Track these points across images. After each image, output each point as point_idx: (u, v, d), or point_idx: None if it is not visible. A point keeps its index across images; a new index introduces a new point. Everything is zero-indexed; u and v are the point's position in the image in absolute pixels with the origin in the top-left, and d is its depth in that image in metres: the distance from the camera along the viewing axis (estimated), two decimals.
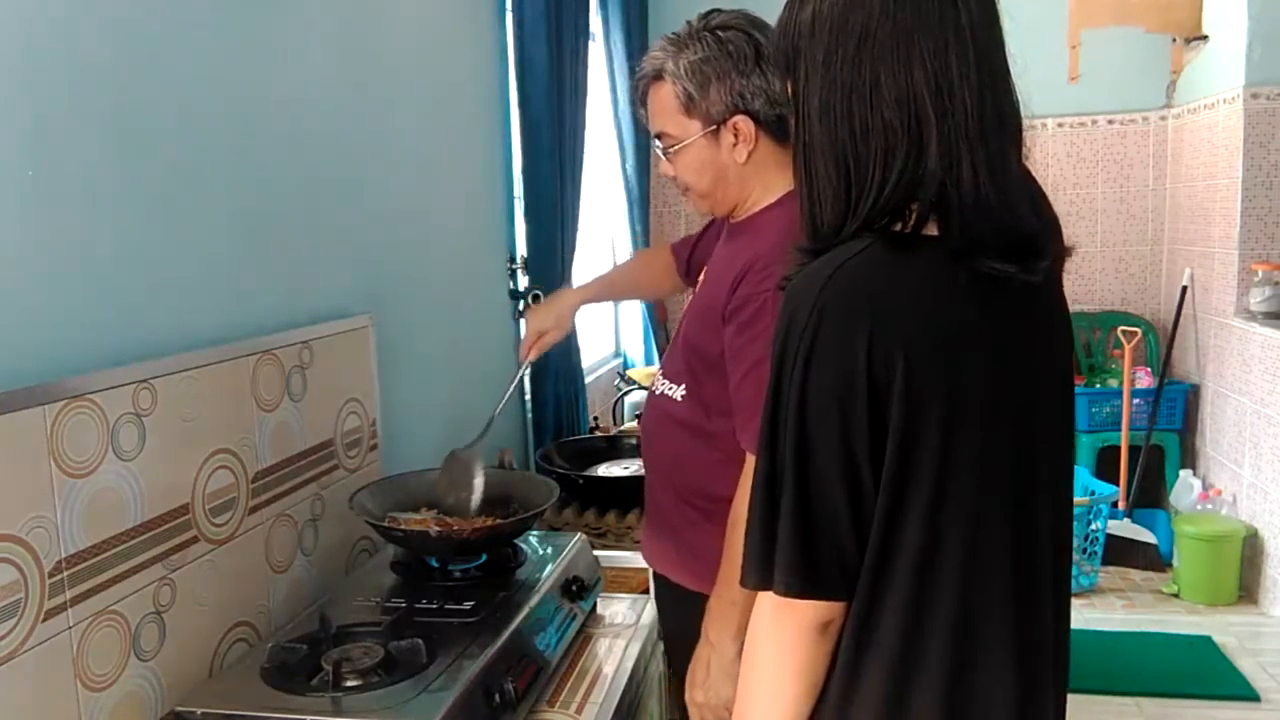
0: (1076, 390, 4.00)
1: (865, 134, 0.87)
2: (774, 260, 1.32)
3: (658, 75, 1.41)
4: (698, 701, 1.36)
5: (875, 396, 0.85)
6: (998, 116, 0.87)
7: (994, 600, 0.89)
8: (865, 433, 0.85)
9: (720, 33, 1.38)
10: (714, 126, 1.39)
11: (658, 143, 1.46)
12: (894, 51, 0.86)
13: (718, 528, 1.34)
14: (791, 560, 0.88)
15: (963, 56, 0.86)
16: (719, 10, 1.41)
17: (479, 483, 1.56)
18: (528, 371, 1.81)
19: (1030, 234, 0.88)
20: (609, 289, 1.96)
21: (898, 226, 0.88)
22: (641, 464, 1.63)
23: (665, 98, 1.41)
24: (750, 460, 1.32)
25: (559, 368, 2.68)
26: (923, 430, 0.85)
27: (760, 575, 0.91)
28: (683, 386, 1.45)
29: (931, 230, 0.88)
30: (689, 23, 1.41)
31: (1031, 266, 0.87)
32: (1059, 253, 0.94)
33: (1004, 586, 0.90)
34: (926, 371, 0.85)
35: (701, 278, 1.55)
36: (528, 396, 2.65)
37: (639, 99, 1.48)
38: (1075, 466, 1.03)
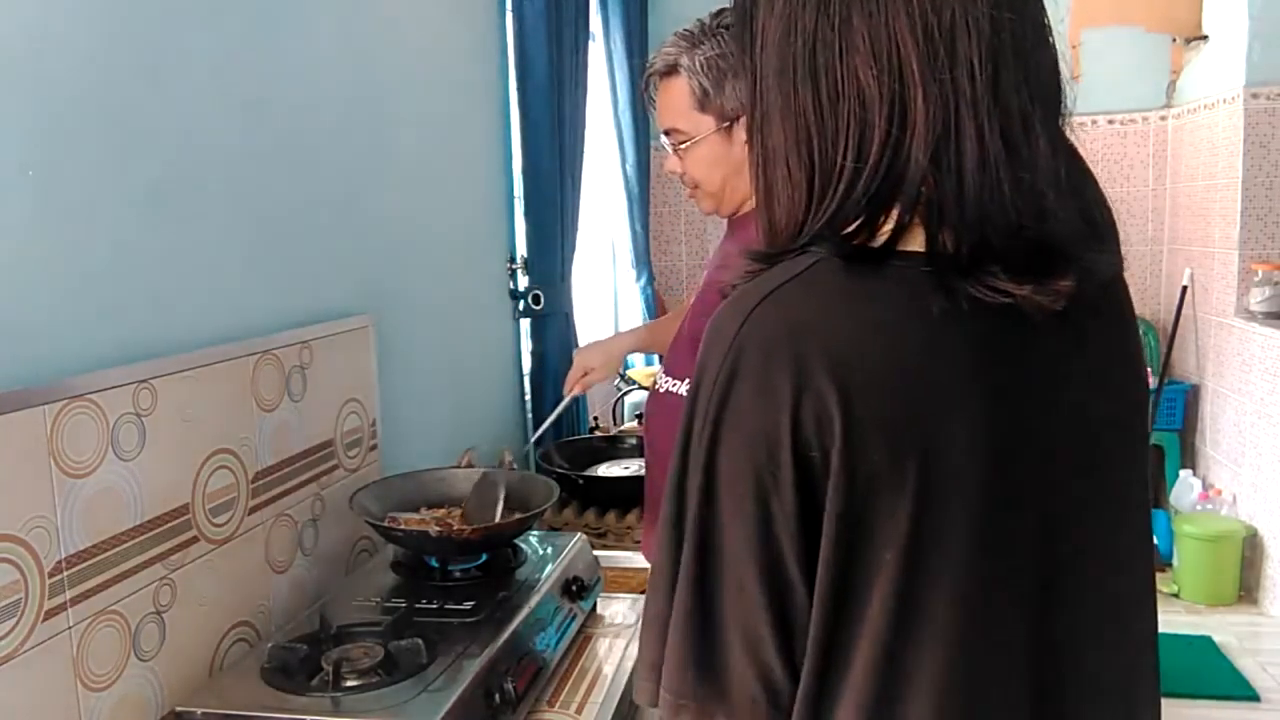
0: None
1: (834, 101, 0.64)
2: None
3: (671, 70, 1.41)
4: None
5: (805, 473, 0.61)
6: (1023, 74, 0.64)
7: None
8: (793, 520, 0.62)
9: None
10: (727, 123, 1.39)
11: (665, 139, 1.46)
12: None
13: None
14: (683, 668, 0.66)
15: None
16: (730, 10, 1.42)
17: (500, 506, 1.58)
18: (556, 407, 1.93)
19: (1058, 239, 0.64)
20: (658, 338, 1.98)
21: (862, 236, 0.65)
22: (642, 464, 1.63)
23: (678, 93, 1.41)
24: None
25: (559, 368, 2.68)
26: (875, 519, 0.61)
27: (649, 688, 0.69)
28: (685, 381, 1.46)
29: (916, 241, 0.65)
30: (701, 21, 1.42)
31: (1049, 287, 0.62)
32: (1113, 267, 0.69)
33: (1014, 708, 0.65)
34: (878, 438, 0.60)
35: (704, 275, 1.55)
36: (527, 397, 2.65)
37: (647, 95, 1.49)
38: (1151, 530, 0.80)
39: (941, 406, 0.62)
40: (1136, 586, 0.74)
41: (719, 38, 1.39)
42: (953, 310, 0.62)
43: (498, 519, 1.54)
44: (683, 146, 1.43)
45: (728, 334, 0.65)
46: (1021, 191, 0.63)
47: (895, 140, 0.63)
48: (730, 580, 0.65)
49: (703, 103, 1.39)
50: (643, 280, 3.82)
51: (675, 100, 1.42)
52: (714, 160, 1.42)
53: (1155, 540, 0.82)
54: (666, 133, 1.46)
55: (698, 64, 1.38)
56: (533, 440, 1.71)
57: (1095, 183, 0.70)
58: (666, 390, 1.50)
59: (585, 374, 1.77)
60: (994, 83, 0.62)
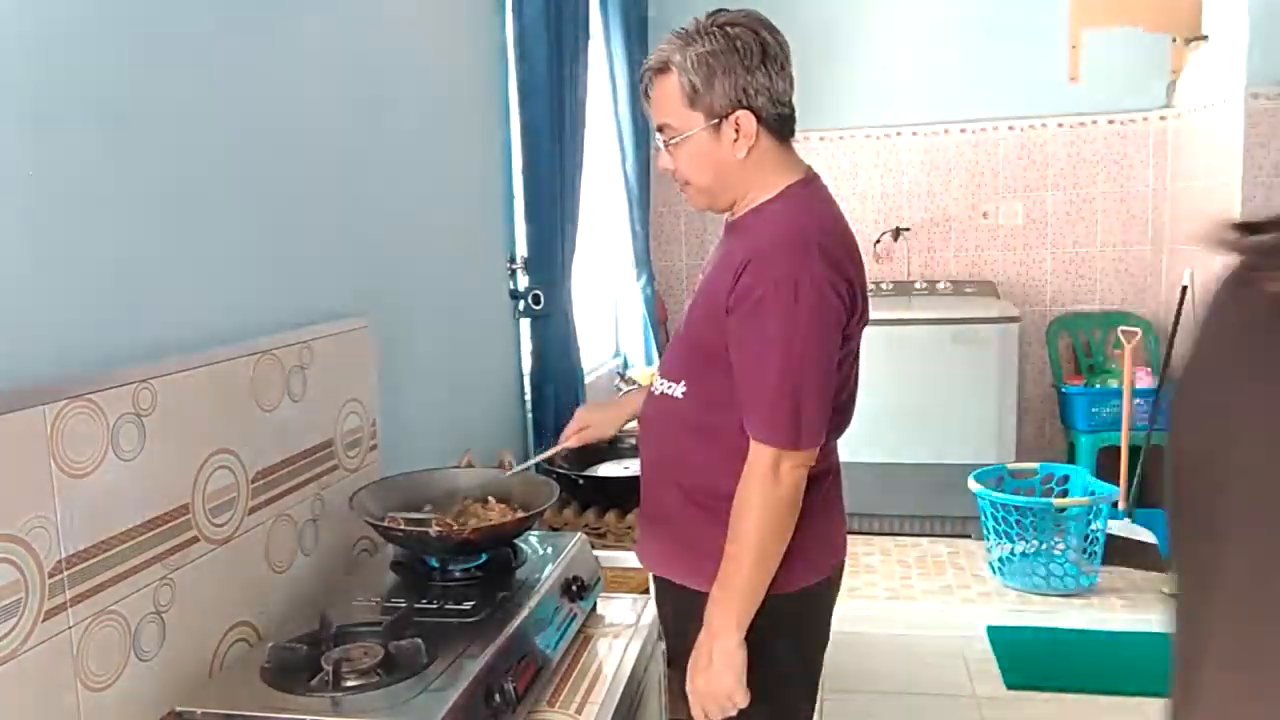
0: (1075, 390, 4.03)
1: None
2: (774, 251, 1.34)
3: (664, 67, 1.43)
4: (699, 689, 1.37)
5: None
6: None
7: None
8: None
9: (729, 29, 1.40)
10: (716, 120, 1.40)
11: (658, 135, 1.48)
12: None
13: (723, 526, 1.35)
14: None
15: None
16: (726, 10, 1.43)
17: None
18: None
19: None
20: None
21: None
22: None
23: (670, 89, 1.42)
24: (753, 451, 1.34)
25: (558, 368, 2.68)
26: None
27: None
28: (683, 384, 1.46)
29: None
30: (696, 19, 1.43)
31: None
32: None
33: None
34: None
35: (701, 276, 1.55)
36: (527, 397, 2.65)
37: (643, 92, 1.50)
38: None
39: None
40: None
41: (713, 36, 1.40)
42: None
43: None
44: (673, 142, 1.45)
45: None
46: None
47: None
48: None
49: (692, 99, 1.41)
50: (643, 280, 3.82)
51: (667, 96, 1.43)
52: (702, 156, 1.43)
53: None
54: (660, 129, 1.47)
55: (689, 61, 1.40)
56: (518, 470, 1.72)
57: None
58: (662, 393, 1.50)
59: (583, 429, 1.78)
60: None
